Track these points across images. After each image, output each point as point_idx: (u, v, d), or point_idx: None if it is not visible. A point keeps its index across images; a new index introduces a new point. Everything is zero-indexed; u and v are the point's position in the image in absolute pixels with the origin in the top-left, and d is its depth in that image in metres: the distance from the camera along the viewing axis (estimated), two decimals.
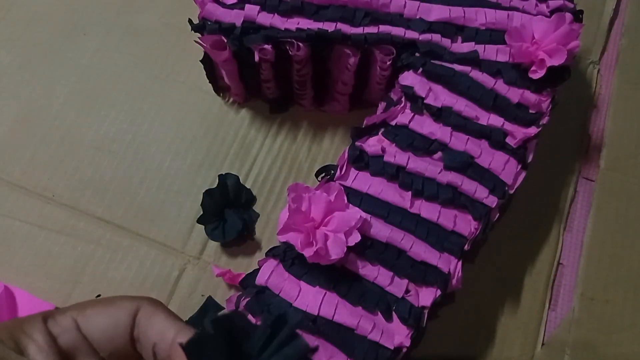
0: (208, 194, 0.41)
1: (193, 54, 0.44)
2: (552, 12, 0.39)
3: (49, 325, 0.23)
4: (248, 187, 0.43)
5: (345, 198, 0.32)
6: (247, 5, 0.38)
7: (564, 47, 0.36)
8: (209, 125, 0.46)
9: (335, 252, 0.30)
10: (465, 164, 0.35)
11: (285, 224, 0.31)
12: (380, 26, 0.38)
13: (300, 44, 0.37)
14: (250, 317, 0.31)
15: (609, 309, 0.42)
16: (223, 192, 0.41)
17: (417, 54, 0.38)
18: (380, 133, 0.37)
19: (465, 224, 0.34)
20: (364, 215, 0.33)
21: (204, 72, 0.45)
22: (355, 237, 0.31)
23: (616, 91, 0.50)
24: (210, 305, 0.39)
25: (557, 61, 0.36)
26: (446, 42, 0.38)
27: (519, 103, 0.37)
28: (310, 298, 0.31)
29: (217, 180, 0.42)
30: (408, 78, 0.38)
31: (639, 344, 0.40)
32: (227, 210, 0.41)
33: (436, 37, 0.38)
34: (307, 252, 0.30)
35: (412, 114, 0.37)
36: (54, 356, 0.22)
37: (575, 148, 0.47)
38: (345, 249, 0.31)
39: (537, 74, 0.37)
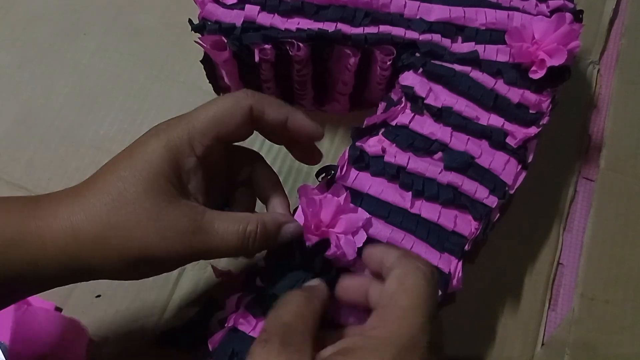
0: None
1: (193, 54, 0.44)
2: (552, 12, 0.39)
3: None
4: None
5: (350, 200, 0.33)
6: (247, 6, 0.38)
7: (564, 47, 0.36)
8: None
9: (350, 253, 0.31)
10: (465, 164, 0.35)
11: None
12: (380, 26, 0.38)
13: (301, 44, 0.37)
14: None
15: (609, 309, 0.42)
16: None
17: (417, 54, 0.38)
18: (380, 133, 0.37)
19: (466, 224, 0.34)
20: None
21: (204, 72, 0.45)
22: (362, 237, 0.31)
23: (616, 91, 0.50)
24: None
25: (557, 61, 0.36)
26: (446, 42, 0.38)
27: (519, 103, 0.37)
28: None
29: None
30: (408, 78, 0.38)
31: (639, 344, 0.40)
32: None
33: (436, 37, 0.38)
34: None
35: (413, 114, 0.37)
36: None
37: (575, 148, 0.47)
38: (357, 249, 0.31)
39: (537, 74, 0.37)
